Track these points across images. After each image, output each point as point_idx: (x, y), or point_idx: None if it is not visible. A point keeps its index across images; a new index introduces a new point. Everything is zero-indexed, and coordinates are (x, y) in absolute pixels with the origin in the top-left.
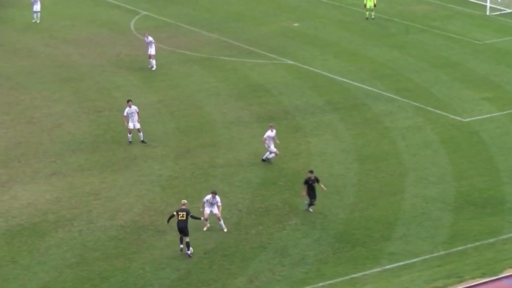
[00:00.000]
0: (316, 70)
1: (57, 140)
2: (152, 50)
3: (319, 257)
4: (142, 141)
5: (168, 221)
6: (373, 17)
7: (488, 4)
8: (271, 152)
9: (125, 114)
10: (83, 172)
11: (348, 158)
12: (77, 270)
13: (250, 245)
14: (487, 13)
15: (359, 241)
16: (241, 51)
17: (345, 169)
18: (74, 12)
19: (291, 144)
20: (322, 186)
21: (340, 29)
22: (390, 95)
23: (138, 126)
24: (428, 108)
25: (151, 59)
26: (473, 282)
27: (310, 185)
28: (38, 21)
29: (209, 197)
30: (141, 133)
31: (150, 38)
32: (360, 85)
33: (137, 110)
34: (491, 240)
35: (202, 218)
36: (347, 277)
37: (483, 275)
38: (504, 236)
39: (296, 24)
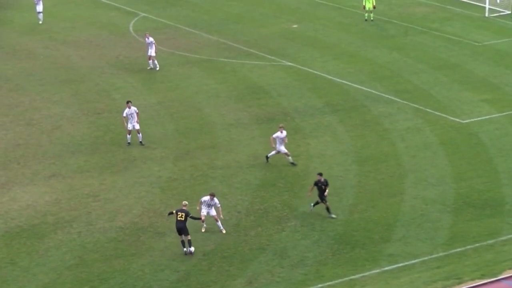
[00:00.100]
0: (316, 72)
1: (57, 141)
2: (152, 51)
3: (318, 258)
4: (140, 143)
5: (168, 214)
6: (372, 19)
7: (487, 6)
8: (278, 152)
9: (124, 115)
10: (82, 173)
11: (348, 159)
12: (76, 271)
13: (249, 246)
14: (486, 14)
15: (358, 243)
16: (240, 52)
17: (345, 171)
18: (74, 14)
19: (290, 145)
20: (327, 191)
21: (339, 31)
22: (390, 96)
23: (137, 127)
24: (428, 109)
25: (151, 60)
26: (472, 284)
27: (320, 187)
28: (41, 22)
29: (207, 198)
30: (140, 134)
31: (151, 39)
32: (359, 86)
33: (137, 111)
34: (490, 242)
35: (201, 218)
36: (346, 278)
37: (483, 277)
38: (503, 238)
39: (295, 26)
